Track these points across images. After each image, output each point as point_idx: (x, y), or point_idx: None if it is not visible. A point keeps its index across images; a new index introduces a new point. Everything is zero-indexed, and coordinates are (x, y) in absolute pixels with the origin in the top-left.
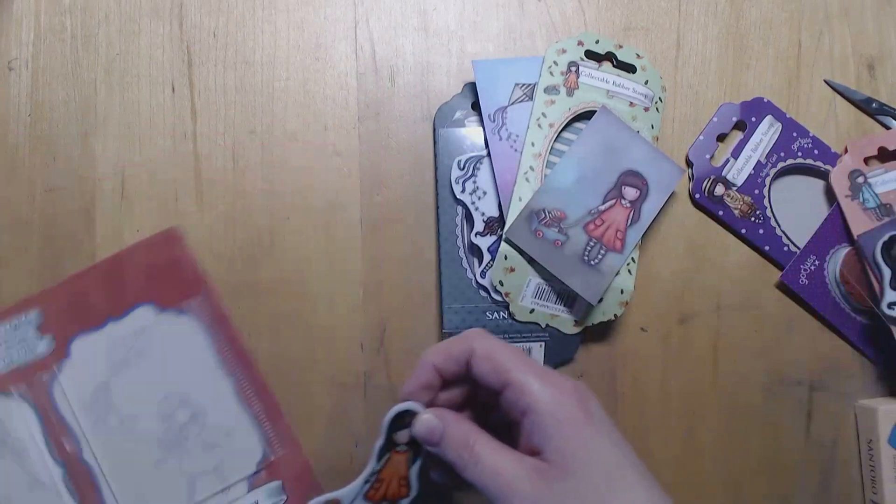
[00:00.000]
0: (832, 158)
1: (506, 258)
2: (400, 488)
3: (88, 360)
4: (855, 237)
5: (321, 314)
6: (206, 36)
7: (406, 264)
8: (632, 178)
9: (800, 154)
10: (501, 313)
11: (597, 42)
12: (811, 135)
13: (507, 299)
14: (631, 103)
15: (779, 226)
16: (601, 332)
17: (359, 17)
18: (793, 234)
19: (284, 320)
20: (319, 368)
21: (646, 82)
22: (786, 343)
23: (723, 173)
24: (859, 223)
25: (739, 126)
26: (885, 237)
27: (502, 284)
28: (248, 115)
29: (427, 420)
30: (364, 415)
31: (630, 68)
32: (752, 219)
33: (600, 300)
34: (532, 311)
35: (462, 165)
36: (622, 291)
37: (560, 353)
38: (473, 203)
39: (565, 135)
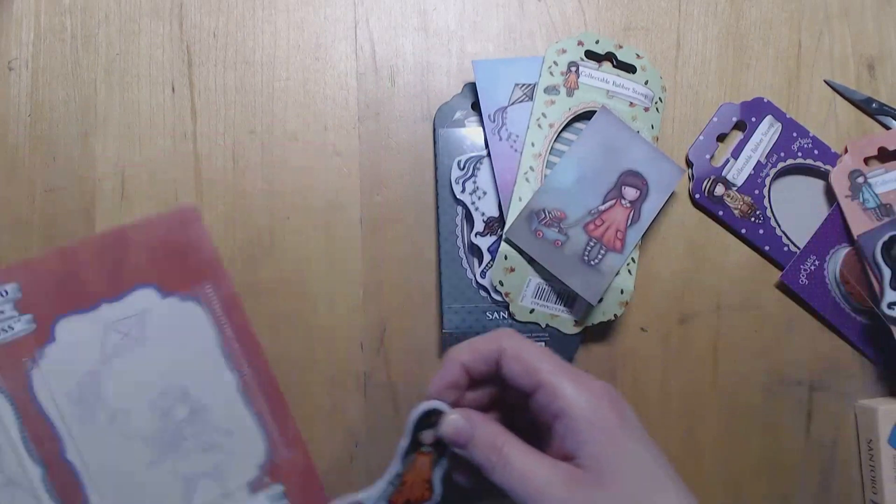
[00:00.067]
0: (832, 158)
1: (506, 258)
2: (423, 491)
3: (76, 346)
4: (855, 237)
5: (321, 314)
6: (206, 36)
7: (406, 264)
8: (632, 178)
9: (800, 154)
10: (501, 313)
11: (597, 42)
12: (811, 135)
13: (507, 299)
14: (631, 103)
15: (779, 226)
16: (601, 332)
17: (359, 17)
18: (793, 234)
19: (284, 320)
20: (319, 368)
21: (646, 82)
22: (786, 343)
23: (723, 173)
24: (859, 223)
25: (739, 126)
26: (885, 237)
27: (502, 284)
28: (248, 115)
29: (454, 420)
30: (364, 415)
31: (630, 68)
32: (752, 219)
33: (600, 300)
34: (532, 311)
35: (462, 165)
36: (622, 291)
37: (560, 353)
38: (473, 203)
39: (565, 135)
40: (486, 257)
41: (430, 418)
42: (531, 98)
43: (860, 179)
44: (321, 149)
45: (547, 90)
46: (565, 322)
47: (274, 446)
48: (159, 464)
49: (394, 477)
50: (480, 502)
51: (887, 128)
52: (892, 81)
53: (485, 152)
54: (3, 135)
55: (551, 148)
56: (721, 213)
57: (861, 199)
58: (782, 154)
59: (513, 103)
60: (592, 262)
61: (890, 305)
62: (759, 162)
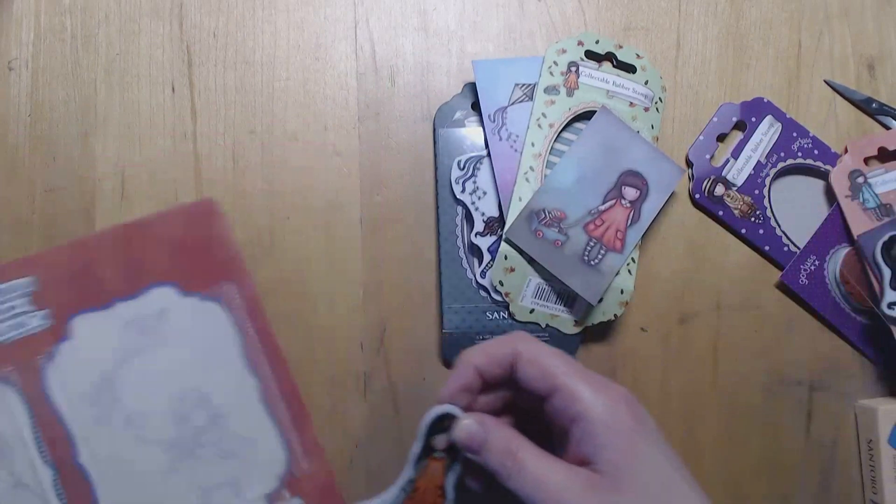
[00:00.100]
0: (832, 158)
1: (506, 258)
2: (436, 497)
3: (93, 344)
4: (855, 237)
5: (321, 314)
6: (206, 36)
7: (406, 264)
8: (632, 178)
9: (800, 154)
10: (501, 313)
11: (597, 42)
12: (811, 135)
13: (507, 299)
14: (631, 103)
15: (779, 226)
16: (601, 332)
17: (359, 17)
18: (793, 234)
19: (284, 320)
20: (319, 368)
21: (646, 82)
22: (786, 343)
23: (723, 173)
24: (859, 223)
25: (739, 126)
26: (885, 237)
27: (502, 284)
28: (248, 115)
29: (468, 425)
30: (364, 415)
31: (630, 68)
32: (752, 219)
33: (600, 300)
34: (532, 311)
35: (462, 165)
36: (622, 291)
37: None
38: (473, 203)
39: (565, 135)
40: (486, 257)
41: (442, 423)
42: (531, 98)
43: (860, 179)
44: (321, 149)
45: (547, 90)
46: (565, 322)
47: (294, 458)
48: (175, 472)
49: (406, 483)
50: None
51: (887, 128)
52: (892, 81)
53: (485, 152)
54: (3, 135)
55: (551, 148)
56: (721, 213)
57: (861, 199)
58: (782, 154)
59: (513, 103)
60: (592, 262)
61: (890, 305)
62: (759, 162)
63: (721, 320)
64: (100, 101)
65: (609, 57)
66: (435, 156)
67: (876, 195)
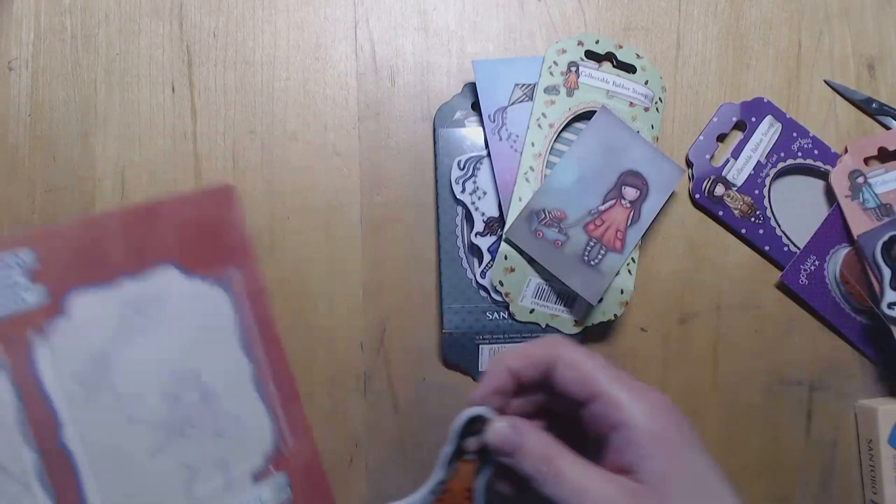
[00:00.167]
0: (832, 158)
1: (506, 258)
2: (464, 500)
3: (89, 322)
4: (855, 237)
5: (321, 314)
6: (206, 36)
7: (406, 264)
8: (632, 178)
9: (800, 154)
10: (501, 313)
11: (597, 42)
12: (811, 135)
13: (507, 299)
14: (631, 103)
15: (779, 226)
16: (601, 332)
17: (359, 17)
18: (793, 234)
19: (284, 320)
20: (319, 368)
21: (646, 82)
22: (786, 343)
23: (723, 173)
24: (859, 223)
25: (739, 126)
26: (885, 237)
27: (502, 284)
28: (248, 115)
29: (501, 428)
30: (364, 415)
31: (630, 68)
32: (752, 219)
33: (600, 300)
34: (532, 311)
35: (462, 165)
36: (622, 291)
37: None
38: (473, 203)
39: (565, 135)
40: (486, 257)
41: (474, 425)
42: (531, 98)
43: (860, 179)
44: (321, 149)
45: (547, 90)
46: (565, 322)
47: (281, 436)
48: (163, 451)
49: (436, 485)
50: None
51: (887, 128)
52: (892, 81)
53: (485, 152)
54: (3, 135)
55: (551, 148)
56: (721, 213)
57: (861, 199)
58: (782, 154)
59: (513, 103)
60: (592, 262)
61: (890, 305)
62: (759, 162)
63: (721, 320)
64: (100, 101)
65: (609, 57)
66: (435, 156)
67: (876, 195)
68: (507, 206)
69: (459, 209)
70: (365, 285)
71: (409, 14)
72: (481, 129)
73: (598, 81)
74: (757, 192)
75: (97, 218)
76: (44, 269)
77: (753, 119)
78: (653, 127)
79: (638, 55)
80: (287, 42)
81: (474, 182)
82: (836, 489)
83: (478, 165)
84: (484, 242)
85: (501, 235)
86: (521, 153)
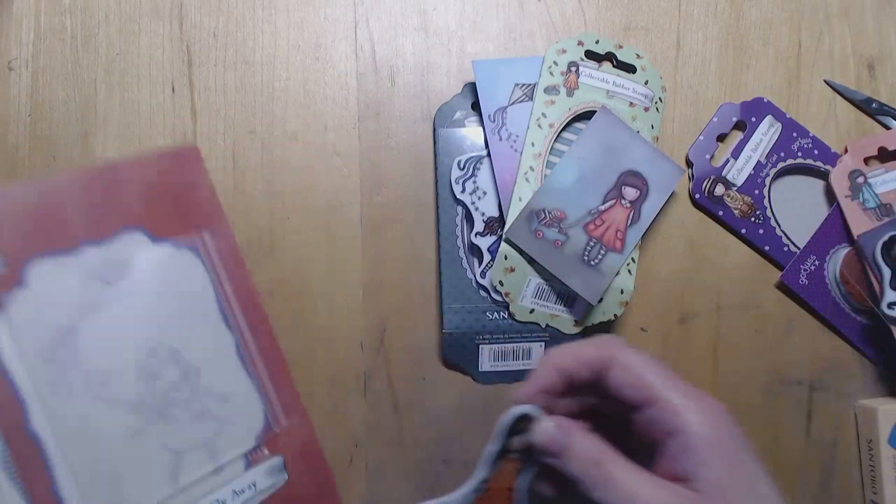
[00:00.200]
0: (832, 158)
1: (506, 258)
2: (505, 499)
3: (50, 294)
4: (855, 237)
5: (321, 314)
6: (206, 36)
7: (406, 264)
8: (632, 178)
9: (800, 154)
10: (501, 313)
11: (597, 42)
12: (811, 135)
13: (507, 299)
14: (631, 103)
15: (779, 226)
16: (601, 332)
17: (359, 17)
18: (793, 234)
19: (284, 320)
20: (319, 368)
21: (646, 82)
22: (786, 343)
23: (723, 173)
24: (859, 223)
25: (739, 126)
26: (885, 237)
27: (502, 284)
28: (248, 115)
29: (548, 428)
30: (364, 415)
31: (630, 68)
32: (752, 219)
33: (600, 300)
34: (532, 311)
35: (462, 165)
36: (622, 291)
37: None
38: (473, 203)
39: (565, 135)
40: (486, 257)
41: (519, 424)
42: (531, 98)
43: (860, 179)
44: (321, 149)
45: (547, 90)
46: (565, 322)
47: (272, 413)
48: (143, 435)
49: (479, 483)
50: None
51: (887, 128)
52: (892, 81)
53: (485, 152)
54: (3, 135)
55: (551, 148)
56: (721, 213)
57: (861, 199)
58: (782, 154)
59: (513, 103)
60: (592, 262)
61: (890, 305)
62: (759, 162)
63: (721, 320)
64: (100, 101)
65: (609, 57)
66: (435, 156)
67: (876, 195)
68: (507, 206)
69: (459, 209)
70: (365, 285)
71: (409, 14)
72: (481, 129)
73: (598, 81)
74: (757, 192)
75: (53, 181)
76: None
77: (753, 119)
78: (653, 127)
79: (638, 55)
80: (287, 42)
81: (474, 182)
82: (836, 489)
83: (478, 165)
84: (484, 242)
85: (501, 235)
86: (521, 153)
